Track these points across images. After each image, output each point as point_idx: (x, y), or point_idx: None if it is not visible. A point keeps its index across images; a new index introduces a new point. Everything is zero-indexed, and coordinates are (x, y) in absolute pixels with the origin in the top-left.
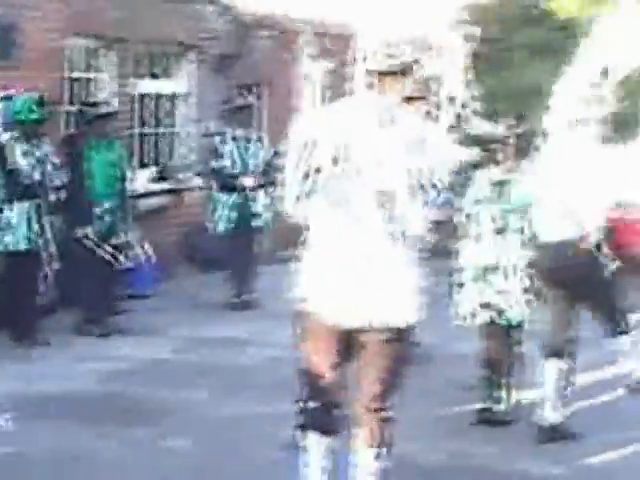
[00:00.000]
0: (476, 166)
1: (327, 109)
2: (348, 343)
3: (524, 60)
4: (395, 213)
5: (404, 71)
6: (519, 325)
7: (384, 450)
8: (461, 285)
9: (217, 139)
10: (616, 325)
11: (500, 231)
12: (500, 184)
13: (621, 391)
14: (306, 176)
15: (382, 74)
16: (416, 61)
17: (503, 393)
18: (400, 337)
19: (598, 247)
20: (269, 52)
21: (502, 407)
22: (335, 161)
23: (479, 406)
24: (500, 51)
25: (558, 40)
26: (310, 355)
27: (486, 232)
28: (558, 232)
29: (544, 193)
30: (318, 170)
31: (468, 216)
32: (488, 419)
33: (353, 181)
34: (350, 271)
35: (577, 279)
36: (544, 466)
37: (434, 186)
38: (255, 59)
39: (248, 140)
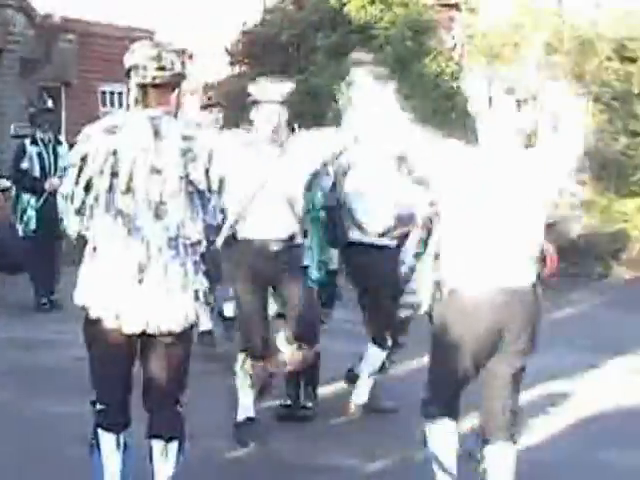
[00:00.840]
0: None
1: (103, 122)
2: (131, 346)
3: (322, 62)
4: (172, 221)
5: (173, 83)
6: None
7: (176, 444)
8: None
9: (26, 141)
10: None
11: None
12: None
13: None
14: (86, 189)
15: (153, 87)
16: (182, 74)
17: (306, 389)
18: (179, 339)
19: None
20: (71, 56)
21: (305, 403)
22: (109, 174)
23: (282, 402)
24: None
25: (353, 43)
26: (97, 358)
27: None
28: None
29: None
30: (91, 183)
31: None
32: (291, 415)
33: (127, 193)
34: (126, 279)
35: None
36: (348, 458)
37: (208, 192)
38: (57, 62)
39: (54, 142)
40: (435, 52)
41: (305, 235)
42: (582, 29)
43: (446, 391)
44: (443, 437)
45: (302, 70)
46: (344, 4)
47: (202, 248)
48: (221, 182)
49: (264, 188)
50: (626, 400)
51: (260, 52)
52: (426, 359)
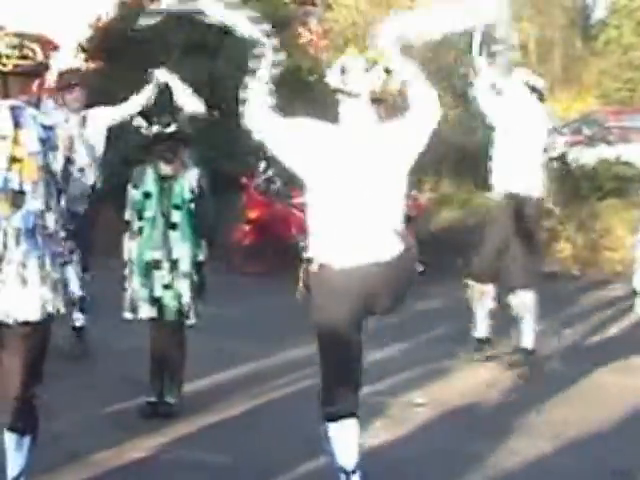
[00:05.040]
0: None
1: None
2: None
3: (179, 57)
4: (30, 211)
5: (35, 73)
6: (181, 320)
7: (30, 437)
8: (128, 279)
9: None
10: None
11: (170, 226)
12: (166, 180)
13: None
14: None
15: (15, 75)
16: (44, 64)
17: (171, 386)
18: (36, 331)
19: None
20: None
21: (170, 400)
22: None
23: (148, 399)
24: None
25: (211, 38)
26: None
27: (152, 226)
28: None
29: None
30: None
31: (137, 211)
32: (157, 412)
33: None
34: None
35: None
36: (213, 455)
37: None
38: None
39: None
40: (291, 47)
41: None
42: None
43: (339, 380)
44: (344, 437)
45: (159, 66)
46: None
47: (60, 239)
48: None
49: None
50: (488, 391)
51: (116, 48)
52: None
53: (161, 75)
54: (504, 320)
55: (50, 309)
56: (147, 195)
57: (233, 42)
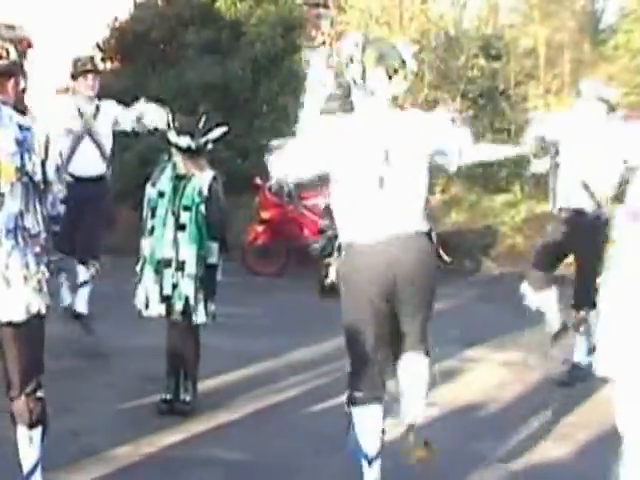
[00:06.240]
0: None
1: None
2: None
3: (193, 58)
4: (9, 212)
5: (9, 72)
6: (188, 319)
7: (40, 429)
8: (141, 276)
9: None
10: None
11: (179, 227)
12: (181, 180)
13: None
14: None
15: None
16: (18, 63)
17: (186, 384)
18: (25, 329)
19: None
20: None
21: (185, 397)
22: None
23: (163, 397)
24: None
25: (225, 39)
26: None
27: (162, 225)
28: None
29: None
30: None
31: (152, 209)
32: (172, 409)
33: None
34: None
35: None
36: (228, 452)
37: (43, 184)
38: None
39: None
40: (305, 48)
41: None
42: (448, 27)
43: (365, 365)
44: (368, 422)
45: (174, 66)
46: (214, 1)
47: (42, 240)
48: (58, 171)
49: None
50: (496, 392)
51: (132, 48)
52: None
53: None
54: (516, 325)
55: (34, 310)
56: (161, 194)
57: (247, 43)
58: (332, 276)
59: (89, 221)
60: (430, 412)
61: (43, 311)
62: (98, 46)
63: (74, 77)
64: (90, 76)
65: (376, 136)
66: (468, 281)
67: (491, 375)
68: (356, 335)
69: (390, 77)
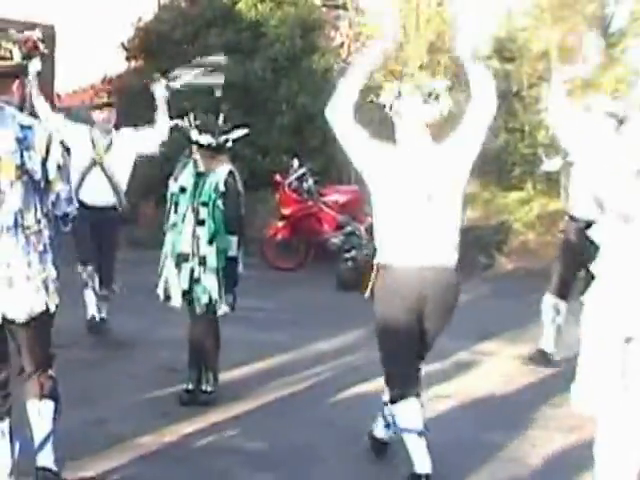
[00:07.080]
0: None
1: None
2: (2, 328)
3: None
4: (9, 210)
5: (13, 73)
6: (210, 313)
7: (50, 403)
8: (163, 267)
9: None
10: None
11: (199, 222)
12: (201, 176)
13: None
14: None
15: None
16: (22, 64)
17: (207, 375)
18: (32, 325)
19: None
20: None
21: (207, 388)
22: None
23: (185, 387)
24: (194, 50)
25: (244, 40)
26: None
27: (183, 221)
28: None
29: None
30: None
31: (174, 204)
32: (194, 400)
33: None
34: None
35: None
36: (249, 442)
37: (45, 182)
38: None
39: None
40: (323, 50)
41: None
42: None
43: (398, 368)
44: (408, 415)
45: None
46: (235, 2)
47: (46, 238)
48: (59, 169)
49: None
50: (509, 385)
51: (155, 48)
52: None
53: (159, 90)
54: (529, 319)
55: (37, 310)
56: (183, 189)
57: (267, 44)
58: (367, 293)
59: (104, 249)
60: (444, 404)
61: (52, 309)
62: (123, 45)
63: (91, 109)
64: (106, 110)
65: (420, 178)
66: (482, 277)
67: (504, 368)
68: (391, 353)
69: (425, 102)
